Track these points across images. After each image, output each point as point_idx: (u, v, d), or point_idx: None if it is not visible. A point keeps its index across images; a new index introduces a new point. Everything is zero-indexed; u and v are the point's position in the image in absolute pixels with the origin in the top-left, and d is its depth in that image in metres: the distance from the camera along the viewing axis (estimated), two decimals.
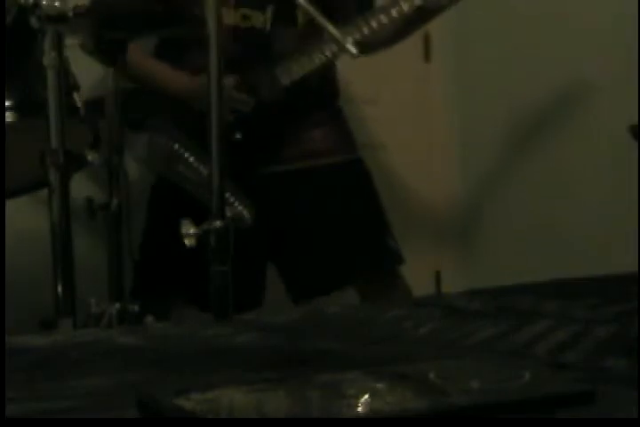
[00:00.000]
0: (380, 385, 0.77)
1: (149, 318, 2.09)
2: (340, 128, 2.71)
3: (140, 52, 2.60)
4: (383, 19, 2.52)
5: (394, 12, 2.52)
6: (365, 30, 2.50)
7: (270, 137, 2.62)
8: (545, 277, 1.29)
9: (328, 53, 2.52)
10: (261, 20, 2.59)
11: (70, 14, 1.85)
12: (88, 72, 2.39)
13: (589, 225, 3.16)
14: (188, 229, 1.75)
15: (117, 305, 2.06)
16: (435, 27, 2.96)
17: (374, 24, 2.51)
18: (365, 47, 2.57)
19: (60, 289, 1.88)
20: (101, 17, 1.99)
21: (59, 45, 1.86)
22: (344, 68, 2.72)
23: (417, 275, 2.81)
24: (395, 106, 3.44)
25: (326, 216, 2.65)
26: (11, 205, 2.32)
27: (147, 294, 2.56)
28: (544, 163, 3.33)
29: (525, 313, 1.09)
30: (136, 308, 2.06)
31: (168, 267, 2.59)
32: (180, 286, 2.61)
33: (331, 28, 1.97)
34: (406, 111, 3.49)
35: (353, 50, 1.95)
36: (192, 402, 0.74)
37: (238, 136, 2.48)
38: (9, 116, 1.98)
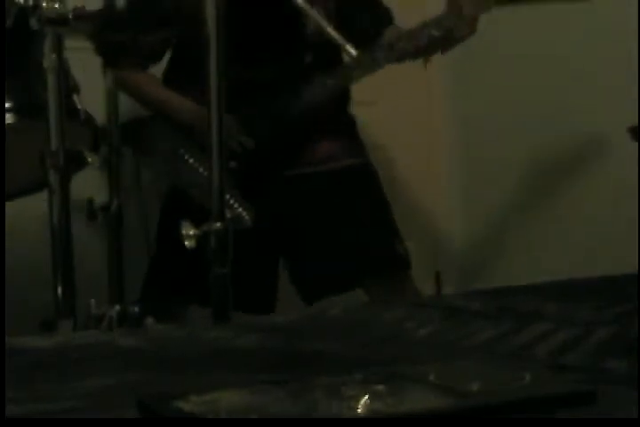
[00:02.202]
0: (379, 387, 0.77)
1: (150, 320, 2.10)
2: (352, 133, 2.73)
3: (149, 79, 2.62)
4: (404, 45, 2.53)
5: (408, 46, 2.52)
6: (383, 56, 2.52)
7: (283, 141, 2.63)
8: (545, 278, 1.29)
9: (331, 90, 2.57)
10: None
11: (70, 16, 1.85)
12: (88, 74, 2.39)
13: (589, 225, 3.16)
14: (188, 231, 1.75)
15: (118, 307, 2.06)
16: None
17: (391, 55, 2.54)
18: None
19: (60, 291, 1.88)
20: (102, 19, 1.99)
21: (59, 47, 1.87)
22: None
23: (417, 275, 2.81)
24: (394, 107, 3.44)
25: (335, 219, 2.66)
26: (11, 207, 2.32)
27: (158, 298, 2.58)
28: (548, 162, 3.34)
29: (526, 314, 1.08)
30: (136, 309, 2.07)
31: (181, 274, 2.59)
32: (194, 292, 2.62)
33: (330, 30, 1.98)
34: (406, 112, 3.49)
35: (353, 51, 1.95)
36: (192, 404, 0.74)
37: (233, 165, 2.48)
38: (9, 118, 1.98)
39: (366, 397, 0.75)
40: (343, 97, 2.73)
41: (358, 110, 2.79)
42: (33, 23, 1.87)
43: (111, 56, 2.10)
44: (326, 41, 2.03)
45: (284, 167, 2.64)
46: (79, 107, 2.08)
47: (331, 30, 1.98)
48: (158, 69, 2.70)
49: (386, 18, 2.69)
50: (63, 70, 1.89)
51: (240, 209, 2.33)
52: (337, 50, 2.27)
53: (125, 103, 2.50)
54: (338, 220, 2.66)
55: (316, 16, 1.98)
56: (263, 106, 2.57)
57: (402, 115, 3.48)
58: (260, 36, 2.59)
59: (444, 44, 2.57)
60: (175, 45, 2.64)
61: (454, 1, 2.48)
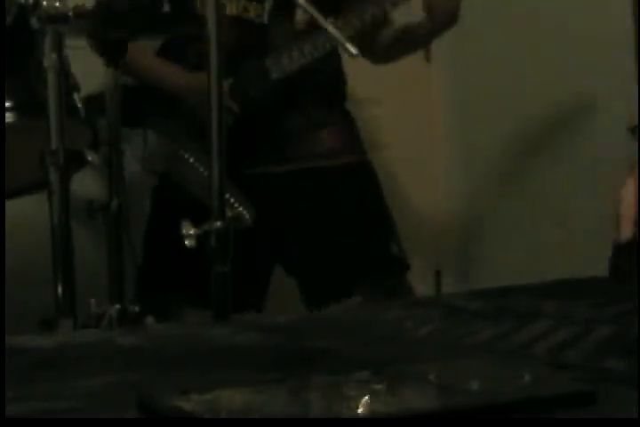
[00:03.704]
0: (379, 386, 0.77)
1: (150, 319, 2.10)
2: (349, 130, 2.71)
3: (139, 48, 2.59)
4: (386, 5, 2.50)
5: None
6: (367, 19, 2.48)
7: (277, 136, 2.62)
8: (546, 277, 1.29)
9: (321, 49, 2.50)
10: (259, 12, 2.58)
11: (70, 14, 1.85)
12: (88, 73, 2.39)
13: (589, 225, 3.16)
14: (188, 230, 1.75)
15: (118, 306, 2.06)
16: None
17: (378, 12, 2.50)
18: (375, 58, 2.59)
19: (60, 290, 1.88)
20: (102, 17, 1.99)
21: (59, 46, 1.87)
22: (345, 68, 2.72)
23: (417, 275, 2.81)
24: (395, 105, 3.44)
25: (331, 219, 2.65)
26: (11, 206, 2.32)
27: (150, 295, 2.57)
28: (547, 162, 3.33)
29: (525, 313, 1.09)
30: (136, 309, 2.07)
31: (170, 267, 2.59)
32: (183, 286, 2.61)
33: (330, 28, 1.98)
34: (407, 111, 3.49)
35: (352, 50, 1.95)
36: (192, 403, 0.74)
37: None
38: (9, 117, 1.98)
39: (366, 396, 0.75)
40: (339, 92, 2.72)
41: (359, 109, 2.79)
42: (33, 22, 1.87)
43: (110, 54, 2.09)
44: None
45: (279, 163, 2.63)
46: (79, 105, 2.08)
47: (330, 28, 1.98)
48: None
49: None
50: (63, 69, 1.89)
51: (240, 208, 2.32)
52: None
53: None
54: (333, 219, 2.65)
55: (315, 13, 1.97)
56: (251, 65, 2.55)
57: (403, 114, 3.48)
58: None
59: (425, 32, 2.56)
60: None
61: None
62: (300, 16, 2.59)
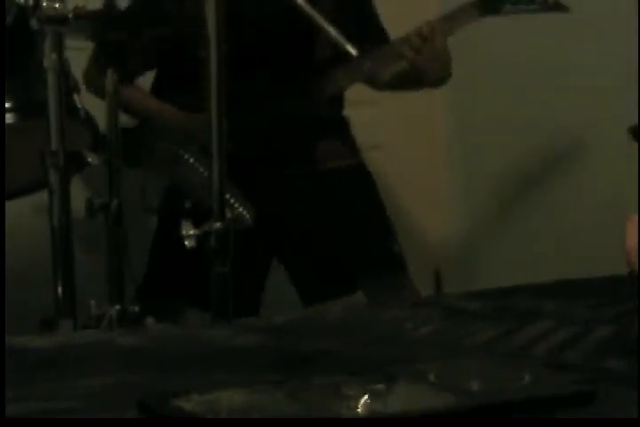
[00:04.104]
0: (379, 386, 0.77)
1: (150, 320, 2.10)
2: (346, 134, 2.73)
3: (136, 88, 2.63)
4: (394, 52, 2.54)
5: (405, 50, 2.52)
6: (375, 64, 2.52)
7: (276, 140, 2.63)
8: (545, 277, 1.29)
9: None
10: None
11: (70, 16, 1.85)
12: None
13: (589, 225, 3.16)
14: (189, 231, 1.75)
15: (118, 307, 2.06)
16: None
17: (386, 60, 2.54)
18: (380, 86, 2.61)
19: (60, 290, 1.88)
20: (103, 19, 1.99)
21: (59, 47, 1.87)
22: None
23: (417, 275, 2.81)
24: (394, 107, 3.43)
25: (331, 221, 2.66)
26: (11, 207, 2.32)
27: (155, 297, 2.58)
28: (547, 161, 3.34)
29: (525, 313, 1.09)
30: (136, 309, 2.07)
31: (178, 270, 2.59)
32: (190, 290, 2.61)
33: (330, 30, 1.98)
34: (405, 112, 3.49)
35: (353, 51, 1.95)
36: (192, 403, 0.74)
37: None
38: (9, 118, 1.98)
39: (366, 396, 0.75)
40: (337, 98, 2.73)
41: (358, 110, 2.79)
42: (33, 23, 1.87)
43: (111, 56, 2.09)
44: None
45: (279, 167, 2.64)
46: (79, 106, 2.08)
47: (331, 30, 1.99)
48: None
49: (384, 39, 2.69)
50: (63, 70, 1.89)
51: (240, 208, 2.33)
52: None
53: None
54: (333, 221, 2.66)
55: (316, 16, 1.98)
56: (250, 111, 2.57)
57: (401, 115, 3.48)
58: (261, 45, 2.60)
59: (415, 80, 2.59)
60: (164, 56, 2.64)
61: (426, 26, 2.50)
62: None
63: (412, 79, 2.62)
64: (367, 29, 2.63)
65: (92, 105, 2.13)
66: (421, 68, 2.53)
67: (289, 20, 2.44)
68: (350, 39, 2.19)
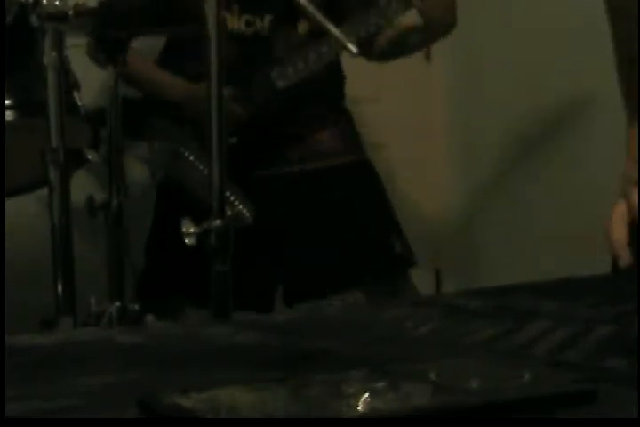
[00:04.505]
0: (379, 385, 0.77)
1: (150, 318, 2.10)
2: (348, 129, 2.72)
3: (139, 59, 2.61)
4: (390, 14, 2.52)
5: (400, 7, 2.51)
6: (372, 27, 2.50)
7: (277, 138, 2.63)
8: (546, 277, 1.29)
9: (326, 59, 2.52)
10: (261, 25, 2.60)
11: (71, 13, 1.85)
12: (88, 71, 2.39)
13: (589, 225, 3.16)
14: (189, 228, 1.75)
15: (117, 304, 2.06)
16: None
17: (380, 21, 2.51)
18: (376, 55, 2.59)
19: (60, 288, 1.88)
20: (102, 16, 1.99)
21: (59, 44, 1.87)
22: (345, 66, 2.72)
23: (417, 273, 2.81)
24: (395, 104, 3.44)
25: (333, 218, 2.66)
26: (11, 204, 2.32)
27: (151, 294, 2.58)
28: (547, 162, 3.34)
29: (525, 313, 1.09)
30: (136, 307, 2.07)
31: (174, 267, 2.60)
32: (186, 286, 2.62)
33: (331, 27, 1.98)
34: (407, 110, 3.50)
35: (353, 49, 1.95)
36: (192, 401, 0.74)
37: (233, 141, 2.48)
38: (9, 115, 1.98)
39: (366, 395, 0.75)
40: (337, 91, 2.73)
41: (359, 108, 2.79)
42: (33, 20, 1.87)
43: (109, 53, 2.09)
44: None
45: (281, 163, 2.64)
46: (79, 104, 2.08)
47: (331, 27, 1.98)
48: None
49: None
50: (63, 67, 1.89)
51: (241, 206, 2.33)
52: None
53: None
54: (335, 218, 2.66)
55: (315, 12, 1.97)
56: (258, 76, 2.56)
57: (403, 113, 3.49)
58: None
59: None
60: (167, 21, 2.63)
61: None
62: (301, 27, 2.60)
63: (406, 43, 2.61)
64: None
65: (91, 102, 2.13)
66: (427, 15, 2.52)
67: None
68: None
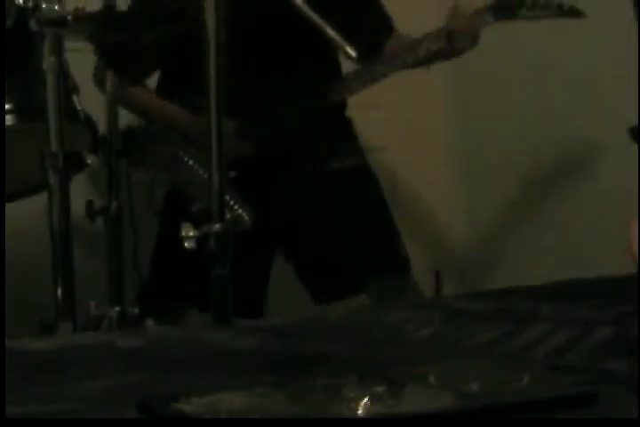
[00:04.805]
0: (380, 388, 0.77)
1: (150, 322, 2.10)
2: (350, 135, 2.74)
3: (146, 91, 2.63)
4: (397, 65, 2.55)
5: (409, 59, 2.54)
6: (378, 76, 2.55)
7: (280, 142, 2.64)
8: (545, 279, 1.29)
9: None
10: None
11: (70, 17, 1.85)
12: (88, 75, 2.39)
13: (589, 225, 3.16)
14: (188, 232, 1.75)
15: (117, 308, 2.06)
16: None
17: (388, 70, 2.55)
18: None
19: (59, 292, 1.88)
20: (102, 20, 1.99)
21: (58, 48, 1.86)
22: (345, 70, 2.72)
23: (417, 275, 2.81)
24: (396, 110, 3.44)
25: (335, 221, 2.66)
26: (11, 208, 2.32)
27: (157, 300, 2.58)
28: (550, 160, 3.33)
29: (525, 315, 1.09)
30: (136, 311, 2.07)
31: (181, 272, 2.59)
32: (192, 291, 2.62)
33: (330, 31, 1.98)
34: (407, 115, 3.50)
35: (353, 53, 1.95)
36: (192, 406, 0.74)
37: (232, 175, 2.47)
38: (9, 119, 1.98)
39: (366, 398, 0.75)
40: (340, 101, 2.74)
41: (360, 113, 2.80)
42: (32, 24, 1.86)
43: (111, 57, 2.09)
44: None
45: (284, 168, 2.64)
46: (79, 108, 2.08)
47: (331, 32, 1.98)
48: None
49: (386, 26, 2.70)
50: (63, 71, 1.89)
51: (240, 210, 2.33)
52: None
53: None
54: (339, 222, 2.66)
55: (316, 18, 1.97)
56: (263, 112, 2.57)
57: (403, 117, 3.49)
58: (263, 44, 2.59)
59: (445, 56, 2.59)
60: (168, 58, 2.64)
61: (453, 17, 2.50)
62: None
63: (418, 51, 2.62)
64: (374, 20, 2.65)
65: (91, 106, 2.13)
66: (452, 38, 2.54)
67: (289, 18, 2.46)
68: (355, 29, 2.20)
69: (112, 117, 2.12)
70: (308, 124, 2.61)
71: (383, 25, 2.69)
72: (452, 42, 2.50)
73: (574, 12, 2.55)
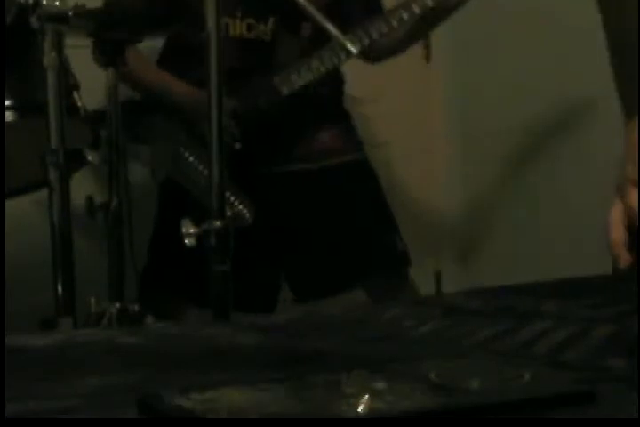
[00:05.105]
0: (379, 385, 0.77)
1: (150, 318, 2.10)
2: (347, 128, 2.73)
3: (143, 61, 2.61)
4: (393, 22, 2.52)
5: (405, 15, 2.52)
6: (375, 35, 2.50)
7: (279, 137, 2.63)
8: (546, 278, 1.29)
9: (328, 64, 2.52)
10: (264, 30, 2.60)
11: (70, 14, 1.85)
12: (88, 72, 2.39)
13: (589, 224, 3.16)
14: (188, 229, 1.75)
15: (118, 305, 2.06)
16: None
17: (384, 28, 2.51)
18: (376, 56, 2.59)
19: (60, 289, 1.88)
20: (102, 17, 1.99)
21: (59, 45, 1.87)
22: (344, 67, 2.72)
23: (417, 275, 2.81)
24: (395, 104, 3.44)
25: (334, 216, 2.66)
26: (11, 205, 2.32)
27: (154, 295, 2.58)
28: (547, 160, 3.33)
29: (525, 313, 1.09)
30: (136, 307, 2.07)
31: (177, 267, 2.60)
32: (189, 286, 2.62)
33: (330, 27, 1.98)
34: (407, 110, 3.50)
35: (353, 49, 1.95)
36: (192, 402, 0.74)
37: (238, 147, 2.48)
38: (9, 116, 1.98)
39: (366, 395, 0.75)
40: (337, 92, 2.73)
41: (358, 108, 2.80)
42: (33, 21, 1.87)
43: (111, 55, 2.09)
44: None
45: (281, 162, 2.64)
46: (79, 104, 2.08)
47: (329, 26, 1.98)
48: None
49: (375, 9, 2.69)
50: (63, 68, 1.89)
51: (240, 206, 2.33)
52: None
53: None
54: (337, 217, 2.67)
55: (314, 11, 1.97)
56: (261, 82, 2.56)
57: (402, 112, 3.48)
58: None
59: (441, 13, 2.58)
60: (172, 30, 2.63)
61: None
62: (304, 31, 2.60)
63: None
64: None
65: (92, 103, 2.13)
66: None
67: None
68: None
69: (113, 106, 2.11)
70: (298, 115, 2.60)
71: (371, 9, 2.68)
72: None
73: None
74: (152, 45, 2.70)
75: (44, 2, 1.84)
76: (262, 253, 2.58)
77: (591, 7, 2.85)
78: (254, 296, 2.48)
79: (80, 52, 2.07)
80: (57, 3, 1.84)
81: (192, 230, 1.74)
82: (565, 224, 3.25)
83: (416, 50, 3.43)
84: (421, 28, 2.64)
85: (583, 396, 0.76)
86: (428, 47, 3.48)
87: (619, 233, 1.34)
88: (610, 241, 1.35)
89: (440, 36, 3.39)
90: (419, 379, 0.79)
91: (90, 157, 2.02)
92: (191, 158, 2.53)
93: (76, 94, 2.09)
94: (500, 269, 3.42)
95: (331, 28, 1.96)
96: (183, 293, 2.63)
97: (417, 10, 2.49)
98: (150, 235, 2.69)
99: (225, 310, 1.75)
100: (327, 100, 2.68)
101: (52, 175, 1.88)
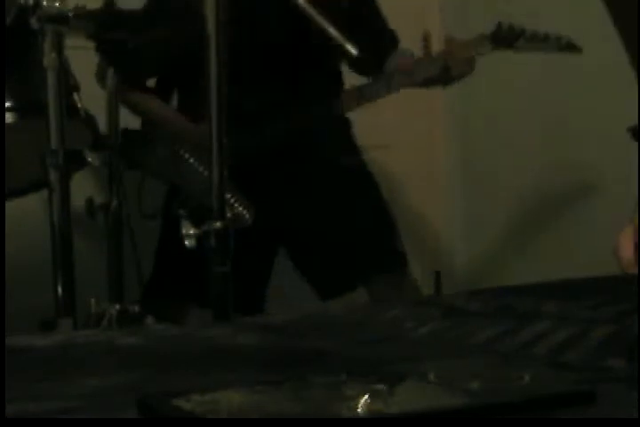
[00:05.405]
0: (379, 386, 0.77)
1: (150, 319, 2.10)
2: (347, 134, 2.74)
3: (148, 96, 2.63)
4: (394, 89, 2.57)
5: (406, 81, 2.55)
6: (373, 97, 2.56)
7: (278, 138, 2.64)
8: (545, 278, 1.29)
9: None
10: None
11: (71, 15, 1.85)
12: (88, 73, 2.39)
13: (589, 224, 3.16)
14: (188, 230, 1.75)
15: (117, 306, 2.06)
16: (434, 29, 2.98)
17: (383, 93, 2.56)
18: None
19: (60, 289, 1.88)
20: (103, 18, 1.99)
21: (59, 46, 1.87)
22: (345, 69, 2.73)
23: (417, 275, 2.81)
24: (395, 107, 3.44)
25: (334, 218, 2.67)
26: (11, 206, 2.32)
27: (160, 298, 2.58)
28: (549, 161, 3.33)
29: (525, 313, 1.08)
30: (136, 308, 2.07)
31: (184, 272, 2.60)
32: (195, 289, 2.62)
33: (331, 30, 1.98)
34: (407, 112, 3.50)
35: (353, 51, 1.95)
36: (191, 403, 0.74)
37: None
38: (9, 117, 1.98)
39: (366, 396, 0.75)
40: (335, 95, 2.74)
41: (358, 112, 2.80)
42: (33, 22, 1.87)
43: (111, 55, 2.09)
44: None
45: (283, 168, 2.65)
46: (79, 105, 2.08)
47: (332, 30, 1.98)
48: None
49: (390, 40, 2.71)
50: (63, 69, 1.89)
51: (240, 208, 2.33)
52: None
53: None
54: (337, 218, 2.67)
55: (317, 16, 1.97)
56: (260, 123, 2.58)
57: (402, 116, 3.49)
58: (267, 54, 2.60)
59: (441, 82, 2.60)
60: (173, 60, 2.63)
61: (449, 42, 2.52)
62: None
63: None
64: (379, 34, 2.66)
65: (92, 105, 2.13)
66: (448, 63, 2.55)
67: (293, 26, 2.45)
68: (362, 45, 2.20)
69: (113, 116, 2.12)
70: (305, 133, 2.62)
71: (387, 37, 2.70)
72: (447, 68, 2.52)
73: (571, 47, 2.56)
74: None
75: (45, 3, 1.84)
76: (256, 254, 2.58)
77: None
78: (244, 296, 2.48)
79: (80, 53, 2.07)
80: (57, 4, 1.84)
81: (192, 231, 1.75)
82: (565, 225, 3.25)
83: (416, 51, 3.44)
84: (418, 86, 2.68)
85: (583, 396, 0.76)
86: (427, 47, 3.48)
87: (629, 251, 1.37)
88: (619, 258, 1.37)
89: (439, 37, 3.39)
90: (419, 380, 0.79)
91: (90, 158, 2.01)
92: (191, 160, 2.53)
93: (76, 95, 2.09)
94: (500, 270, 3.42)
95: (332, 30, 1.97)
96: (188, 297, 2.63)
97: (419, 79, 2.53)
98: (158, 239, 2.70)
99: (225, 311, 1.75)
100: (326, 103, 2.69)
101: (52, 176, 1.88)
